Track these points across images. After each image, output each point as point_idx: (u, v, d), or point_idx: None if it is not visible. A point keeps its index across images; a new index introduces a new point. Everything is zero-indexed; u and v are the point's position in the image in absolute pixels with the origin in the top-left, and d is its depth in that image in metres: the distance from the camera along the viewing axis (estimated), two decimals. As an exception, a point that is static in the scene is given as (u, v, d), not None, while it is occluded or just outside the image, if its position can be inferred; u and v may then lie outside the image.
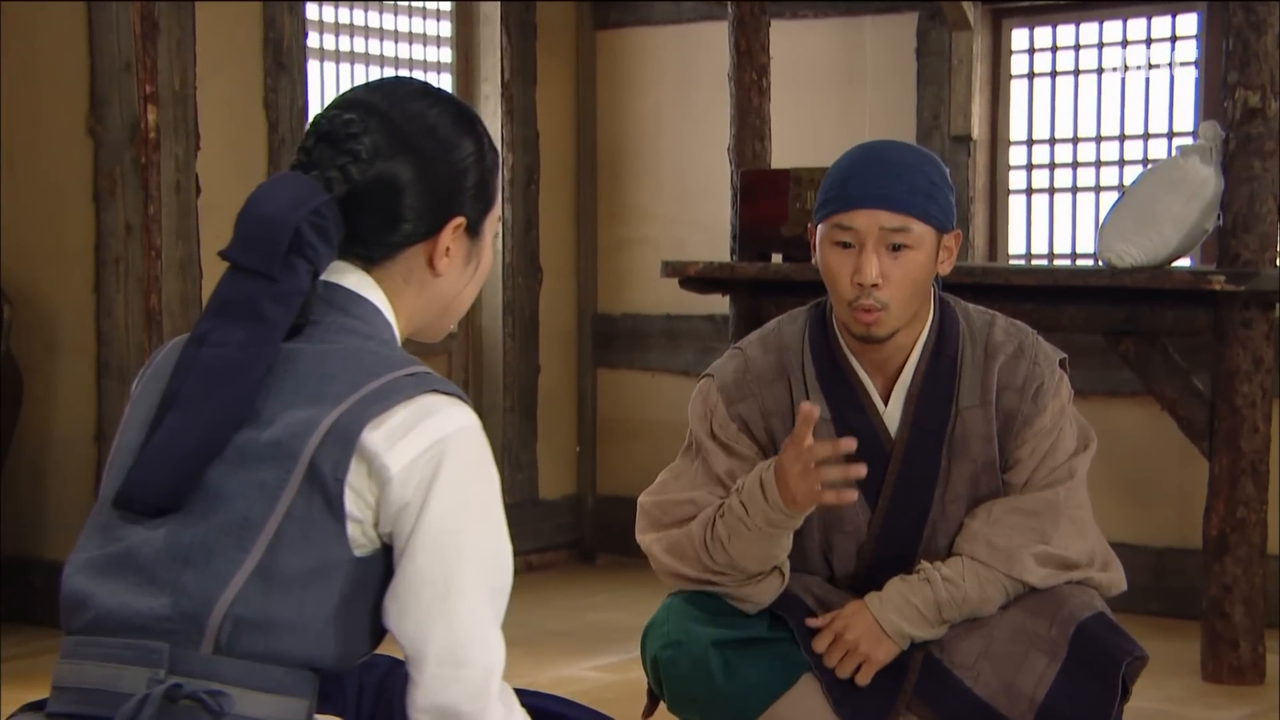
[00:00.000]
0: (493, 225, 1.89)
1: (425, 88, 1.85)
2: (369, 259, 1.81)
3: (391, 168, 1.78)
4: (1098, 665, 2.50)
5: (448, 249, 1.82)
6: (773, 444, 2.62)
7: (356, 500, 1.69)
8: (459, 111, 1.84)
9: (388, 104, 1.80)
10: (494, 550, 1.74)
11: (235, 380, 1.70)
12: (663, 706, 2.70)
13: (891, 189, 2.52)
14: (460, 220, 1.82)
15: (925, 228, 2.53)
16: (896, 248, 2.51)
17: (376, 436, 1.68)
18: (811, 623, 2.58)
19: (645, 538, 2.65)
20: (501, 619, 1.76)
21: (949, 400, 2.59)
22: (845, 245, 2.54)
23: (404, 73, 5.63)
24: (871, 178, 2.53)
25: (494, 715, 1.73)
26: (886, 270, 2.51)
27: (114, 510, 1.74)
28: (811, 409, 2.41)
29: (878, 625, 2.54)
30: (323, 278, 1.78)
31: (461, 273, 1.86)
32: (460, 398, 1.75)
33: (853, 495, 2.45)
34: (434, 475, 1.69)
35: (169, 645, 1.67)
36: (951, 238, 2.58)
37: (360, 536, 1.71)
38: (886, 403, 2.61)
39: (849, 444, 2.42)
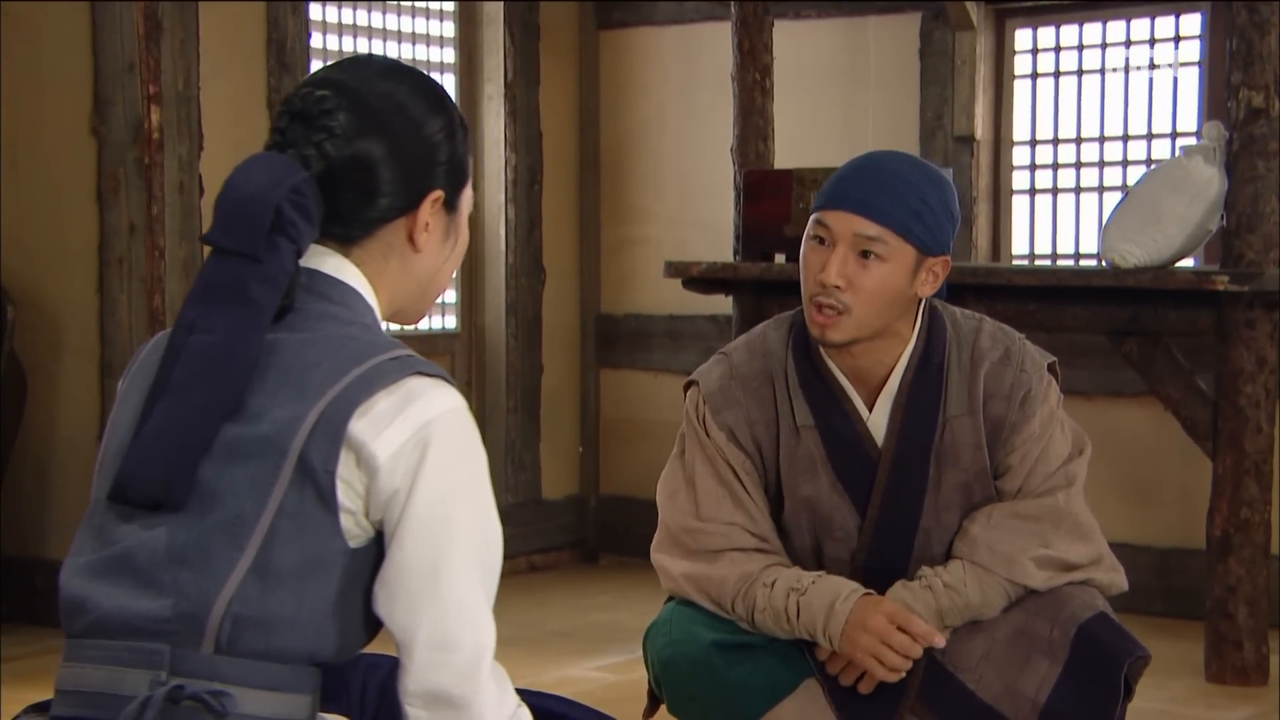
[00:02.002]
0: (467, 202, 1.89)
1: (393, 65, 1.86)
2: (348, 238, 1.80)
3: (365, 146, 1.78)
4: (1099, 666, 2.49)
5: (427, 224, 1.82)
6: (759, 451, 2.62)
7: (347, 491, 1.69)
8: (427, 89, 1.84)
9: (358, 82, 1.80)
10: (483, 530, 1.74)
11: (226, 366, 1.70)
12: (663, 708, 2.69)
13: (875, 198, 2.50)
14: (438, 194, 1.82)
15: (903, 244, 2.50)
16: (867, 254, 2.50)
17: (362, 425, 1.68)
18: None
19: (669, 561, 2.62)
20: (493, 599, 1.76)
21: (936, 409, 2.58)
22: (820, 241, 2.54)
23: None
24: (861, 182, 2.52)
25: (486, 695, 1.73)
26: (852, 275, 2.49)
27: (108, 511, 1.73)
28: (934, 638, 2.49)
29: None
30: (303, 264, 1.77)
31: (441, 248, 1.86)
32: (444, 378, 1.74)
33: (893, 676, 2.51)
34: (420, 461, 1.69)
35: (170, 647, 1.67)
36: (939, 262, 2.55)
37: (354, 527, 1.71)
38: (871, 410, 2.60)
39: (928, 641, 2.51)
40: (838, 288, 2.49)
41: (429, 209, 1.82)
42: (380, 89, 1.80)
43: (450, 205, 1.85)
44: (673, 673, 2.58)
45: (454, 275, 1.93)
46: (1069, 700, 2.48)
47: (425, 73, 1.89)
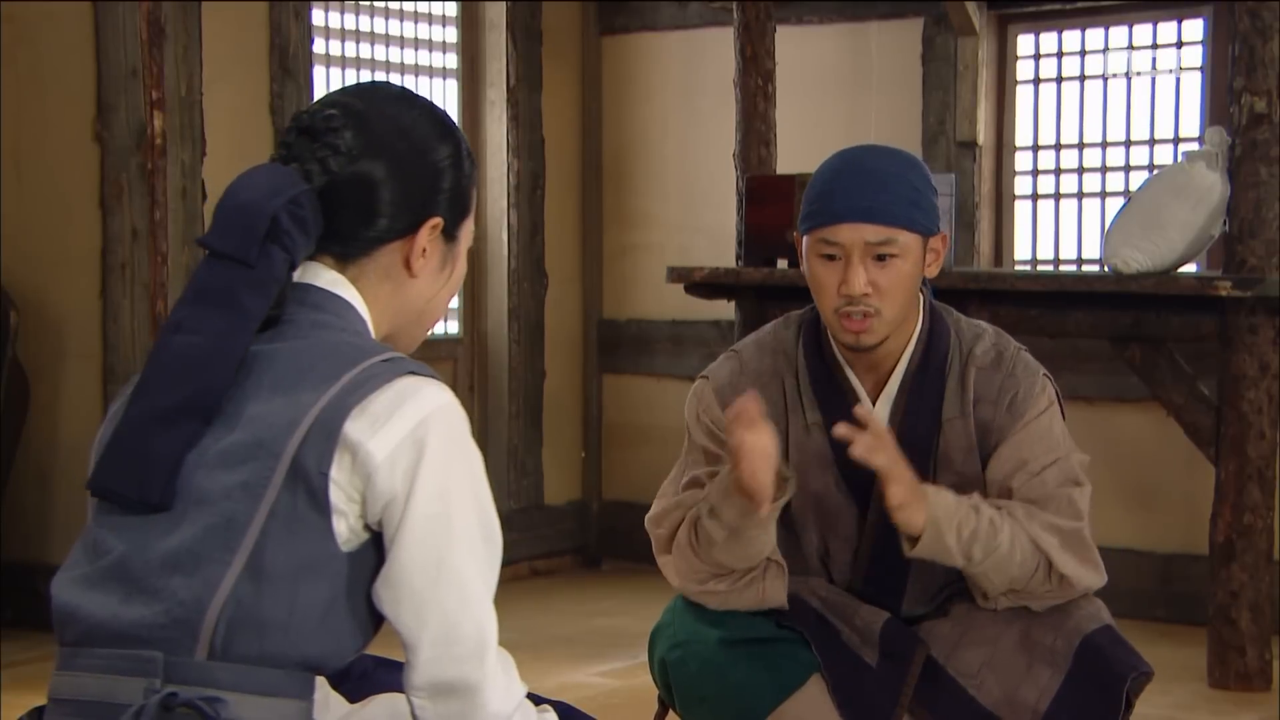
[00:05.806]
0: (467, 235, 1.91)
1: (404, 93, 1.88)
2: (345, 256, 1.82)
3: (368, 166, 1.80)
4: (1102, 678, 2.49)
5: (424, 250, 1.84)
6: None
7: (340, 494, 1.70)
8: (436, 117, 1.87)
9: (365, 104, 1.83)
10: (482, 525, 1.76)
11: (207, 368, 1.71)
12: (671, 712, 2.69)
13: (875, 202, 2.50)
14: (438, 221, 1.84)
15: (911, 236, 2.51)
16: (882, 258, 2.50)
17: (359, 425, 1.69)
18: (842, 430, 2.43)
19: (660, 560, 2.64)
20: (493, 590, 1.77)
21: (935, 411, 2.58)
22: (831, 257, 2.54)
23: (410, 79, 5.64)
24: (855, 190, 2.51)
25: (493, 682, 1.75)
26: (874, 279, 2.50)
27: (101, 525, 1.74)
28: (748, 404, 2.37)
29: (921, 490, 2.42)
30: (298, 279, 1.80)
31: (436, 276, 1.87)
32: (434, 377, 1.76)
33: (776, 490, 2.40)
34: (418, 461, 1.70)
35: (163, 654, 1.67)
36: (938, 240, 2.56)
37: (346, 530, 1.71)
38: (875, 405, 2.60)
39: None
40: (865, 295, 2.50)
41: (427, 235, 1.84)
42: (389, 112, 1.83)
43: (449, 234, 1.87)
44: (680, 673, 2.59)
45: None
46: (1069, 710, 2.48)
47: (435, 103, 1.91)
